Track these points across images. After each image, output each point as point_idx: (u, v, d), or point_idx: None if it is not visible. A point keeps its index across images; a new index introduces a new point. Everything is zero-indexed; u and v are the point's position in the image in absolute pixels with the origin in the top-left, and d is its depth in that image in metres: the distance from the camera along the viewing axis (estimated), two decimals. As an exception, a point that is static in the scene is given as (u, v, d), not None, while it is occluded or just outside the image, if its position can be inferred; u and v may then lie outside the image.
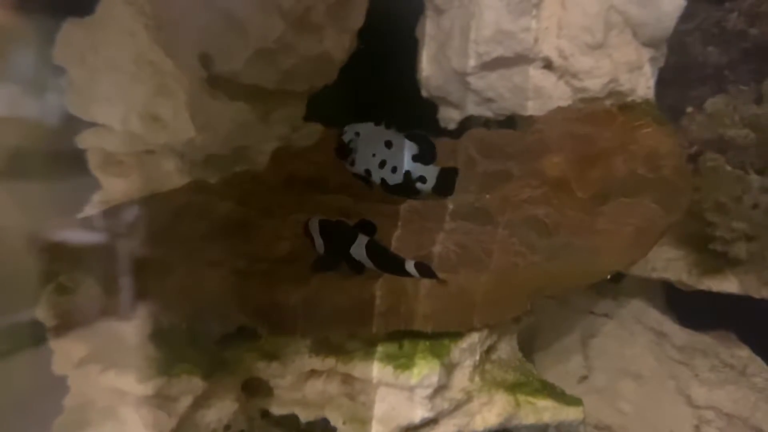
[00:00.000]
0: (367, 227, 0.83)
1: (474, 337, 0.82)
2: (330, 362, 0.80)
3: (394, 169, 0.97)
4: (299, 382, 0.80)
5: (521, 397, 0.77)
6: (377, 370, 0.76)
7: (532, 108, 1.14)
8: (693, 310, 1.10)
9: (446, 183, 0.97)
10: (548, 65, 1.10)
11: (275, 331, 0.81)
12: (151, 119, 0.97)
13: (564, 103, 1.11)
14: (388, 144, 0.97)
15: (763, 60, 1.11)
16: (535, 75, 1.11)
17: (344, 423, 0.78)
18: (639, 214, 0.82)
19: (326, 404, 0.79)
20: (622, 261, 0.82)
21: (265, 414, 0.87)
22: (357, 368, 0.77)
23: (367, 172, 0.98)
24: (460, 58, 1.12)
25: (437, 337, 0.78)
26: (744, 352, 1.06)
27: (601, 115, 0.97)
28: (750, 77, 1.12)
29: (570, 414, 0.76)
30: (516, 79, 1.12)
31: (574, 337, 1.10)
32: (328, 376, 0.80)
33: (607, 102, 1.10)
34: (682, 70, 1.14)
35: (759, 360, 1.06)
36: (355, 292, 0.76)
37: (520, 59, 1.10)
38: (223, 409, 0.82)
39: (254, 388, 0.87)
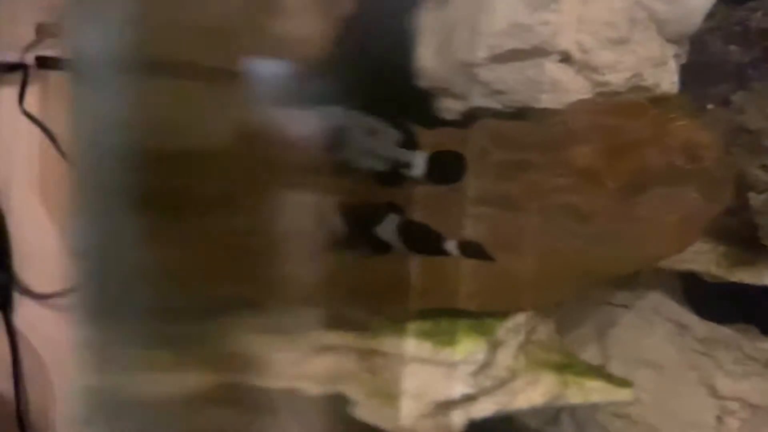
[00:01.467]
0: (395, 207, 0.79)
1: (520, 318, 0.80)
2: (348, 338, 0.76)
3: (378, 158, 0.92)
4: (307, 356, 0.75)
5: (569, 377, 0.75)
6: (413, 345, 0.72)
7: (547, 101, 1.13)
8: (712, 302, 1.11)
9: (441, 169, 0.94)
10: (566, 59, 1.10)
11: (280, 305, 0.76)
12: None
13: (582, 97, 1.12)
14: (372, 131, 0.94)
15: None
16: (552, 68, 1.10)
17: (367, 397, 0.74)
18: (682, 204, 0.83)
19: (342, 379, 0.74)
20: (669, 249, 0.82)
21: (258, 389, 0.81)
22: (384, 344, 0.73)
23: (353, 160, 0.95)
24: (468, 49, 1.10)
25: (478, 317, 0.76)
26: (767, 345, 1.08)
27: (631, 107, 0.98)
28: (774, 75, 1.15)
29: (620, 395, 0.75)
30: (530, 71, 1.11)
31: (590, 327, 1.10)
32: (343, 352, 0.75)
33: (629, 96, 1.11)
34: (703, 68, 1.17)
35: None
36: (384, 268, 0.73)
37: (537, 52, 1.08)
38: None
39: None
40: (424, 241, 0.78)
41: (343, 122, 0.95)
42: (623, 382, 0.81)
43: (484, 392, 0.78)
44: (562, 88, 1.08)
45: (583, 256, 0.81)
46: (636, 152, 0.91)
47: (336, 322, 0.79)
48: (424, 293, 0.76)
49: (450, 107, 1.12)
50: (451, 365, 0.74)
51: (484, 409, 0.76)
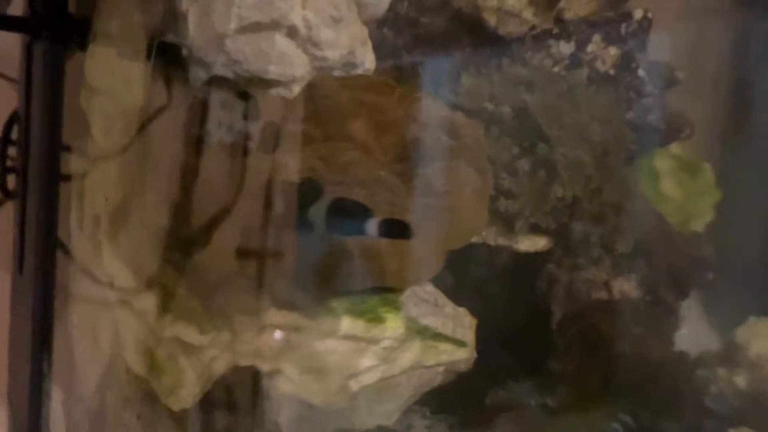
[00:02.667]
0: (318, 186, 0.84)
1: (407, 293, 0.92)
2: (288, 317, 0.81)
3: (230, 128, 0.97)
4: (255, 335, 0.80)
5: (428, 342, 0.91)
6: (347, 324, 0.81)
7: (274, 72, 1.24)
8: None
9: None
10: (293, 34, 1.22)
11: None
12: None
13: (302, 70, 1.25)
14: (223, 104, 0.97)
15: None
16: (281, 41, 1.22)
17: (300, 374, 0.81)
18: (463, 177, 1.03)
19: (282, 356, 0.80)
20: (482, 221, 1.01)
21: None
22: (321, 323, 0.80)
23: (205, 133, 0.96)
24: (223, 21, 1.16)
25: (381, 293, 0.87)
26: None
27: (380, 86, 1.14)
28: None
29: (461, 354, 0.93)
30: (262, 44, 1.21)
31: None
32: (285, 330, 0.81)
33: (338, 72, 1.27)
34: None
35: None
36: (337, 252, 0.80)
37: (273, 25, 1.19)
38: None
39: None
40: (348, 220, 0.81)
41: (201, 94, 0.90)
42: (461, 343, 0.97)
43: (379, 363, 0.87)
44: (287, 61, 1.18)
45: (430, 229, 0.93)
46: (397, 128, 1.07)
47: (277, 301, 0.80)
48: (365, 272, 0.81)
49: (197, 76, 1.13)
50: (377, 341, 0.81)
51: (371, 377, 0.85)
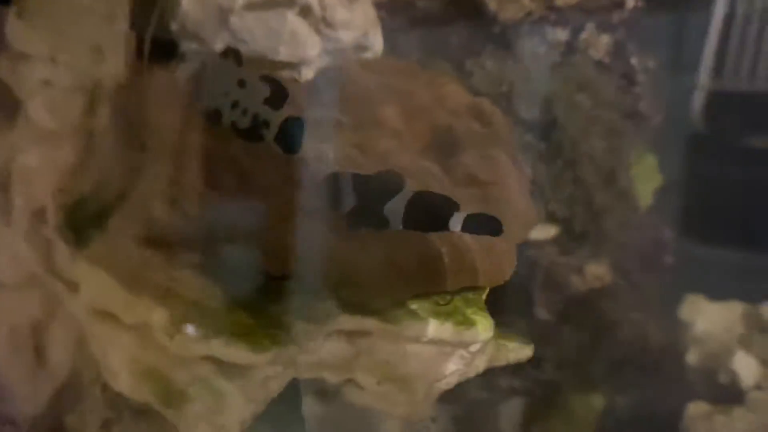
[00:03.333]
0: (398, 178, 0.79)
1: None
2: (361, 321, 0.75)
3: (244, 111, 0.89)
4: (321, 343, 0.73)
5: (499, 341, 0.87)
6: (434, 327, 0.75)
7: (284, 53, 1.18)
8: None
9: (290, 135, 0.89)
10: (306, 12, 1.17)
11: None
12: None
13: (314, 52, 1.19)
14: (241, 83, 0.89)
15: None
16: (293, 20, 1.16)
17: (378, 383, 0.75)
18: (504, 167, 0.99)
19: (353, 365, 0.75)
20: (534, 213, 0.97)
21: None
22: (402, 326, 0.75)
23: (217, 113, 0.88)
24: None
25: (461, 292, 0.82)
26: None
27: (406, 69, 1.10)
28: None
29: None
30: (273, 22, 1.15)
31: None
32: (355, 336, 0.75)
33: (353, 55, 1.23)
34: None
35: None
36: (420, 248, 0.75)
37: (285, 3, 1.14)
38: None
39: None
40: (431, 215, 0.77)
41: (213, 68, 0.88)
42: (527, 341, 0.90)
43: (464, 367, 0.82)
44: (300, 41, 1.13)
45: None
46: (426, 115, 1.03)
47: (347, 305, 0.72)
48: (458, 272, 0.76)
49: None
50: (465, 345, 0.76)
51: (450, 382, 0.81)
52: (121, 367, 0.71)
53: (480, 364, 0.76)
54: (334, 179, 0.76)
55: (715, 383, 1.46)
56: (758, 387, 1.44)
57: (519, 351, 0.81)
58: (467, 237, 0.75)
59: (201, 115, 0.83)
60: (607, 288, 1.49)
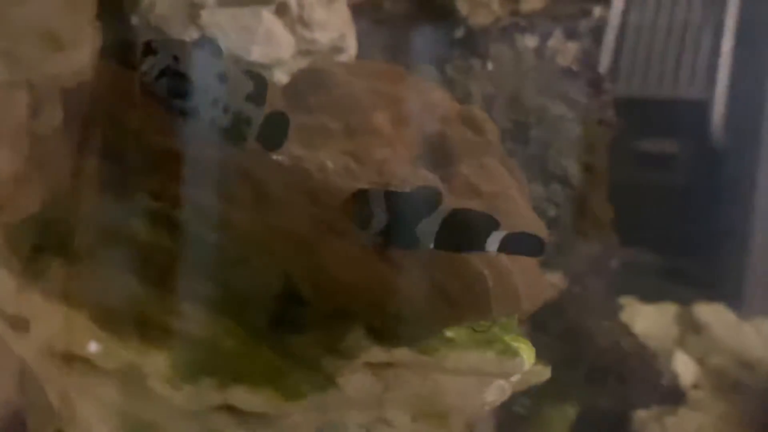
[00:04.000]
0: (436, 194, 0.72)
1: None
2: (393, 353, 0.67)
3: (225, 109, 0.83)
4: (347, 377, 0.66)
5: None
6: (474, 358, 0.69)
7: (257, 53, 1.12)
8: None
9: (272, 132, 0.81)
10: (282, 11, 1.10)
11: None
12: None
13: (288, 53, 1.13)
14: (221, 77, 0.83)
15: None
16: (268, 18, 1.10)
17: (413, 419, 0.68)
18: (502, 178, 0.94)
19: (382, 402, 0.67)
20: (543, 227, 0.91)
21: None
22: (438, 357, 0.68)
23: (193, 109, 0.82)
24: None
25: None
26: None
27: (392, 74, 1.04)
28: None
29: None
30: (247, 20, 1.08)
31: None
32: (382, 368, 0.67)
33: (322, 58, 1.16)
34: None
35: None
36: (465, 272, 0.68)
37: (259, 0, 1.07)
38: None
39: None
40: (468, 234, 0.70)
41: (188, 60, 0.76)
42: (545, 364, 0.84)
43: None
44: (274, 41, 1.07)
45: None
46: (417, 121, 0.97)
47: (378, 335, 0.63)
48: (501, 297, 0.69)
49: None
50: (507, 375, 0.69)
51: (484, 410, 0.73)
52: (96, 418, 0.60)
53: (508, 390, 0.70)
54: (363, 196, 0.68)
55: (659, 384, 1.46)
56: (696, 386, 1.44)
57: (540, 374, 0.75)
58: (506, 258, 0.69)
59: (175, 116, 0.72)
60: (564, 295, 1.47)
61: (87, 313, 0.58)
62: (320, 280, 0.59)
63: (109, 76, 0.72)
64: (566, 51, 1.41)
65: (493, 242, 0.67)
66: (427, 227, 0.67)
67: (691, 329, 1.58)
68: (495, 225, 0.67)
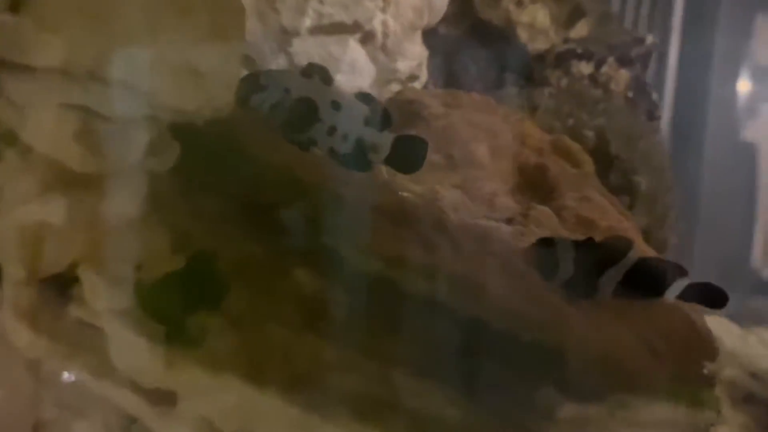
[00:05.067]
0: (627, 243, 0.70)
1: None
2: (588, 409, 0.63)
3: (345, 137, 0.79)
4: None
5: None
6: (664, 410, 0.66)
7: (341, 82, 1.09)
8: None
9: (406, 155, 0.79)
10: (367, 39, 1.08)
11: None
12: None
13: (368, 82, 1.10)
14: (335, 105, 0.80)
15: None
16: (354, 47, 1.08)
17: None
18: (611, 212, 0.91)
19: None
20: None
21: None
22: (633, 412, 0.65)
23: (311, 140, 0.79)
24: (295, 15, 1.00)
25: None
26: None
27: (482, 104, 1.02)
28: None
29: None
30: (333, 48, 1.06)
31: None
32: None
33: (396, 86, 1.13)
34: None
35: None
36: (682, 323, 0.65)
37: (351, 28, 1.05)
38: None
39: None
40: (651, 284, 0.68)
41: (300, 91, 0.75)
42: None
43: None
44: (358, 69, 1.05)
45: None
46: (513, 153, 0.95)
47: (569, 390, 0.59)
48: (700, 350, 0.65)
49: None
50: (698, 429, 0.66)
51: None
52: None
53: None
54: (549, 244, 0.65)
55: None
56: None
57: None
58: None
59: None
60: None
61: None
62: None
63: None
64: (619, 78, 1.40)
65: (674, 290, 0.65)
66: (612, 276, 0.64)
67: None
68: (682, 273, 0.65)
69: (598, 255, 0.66)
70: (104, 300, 0.48)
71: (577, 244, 0.66)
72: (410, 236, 0.55)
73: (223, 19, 0.53)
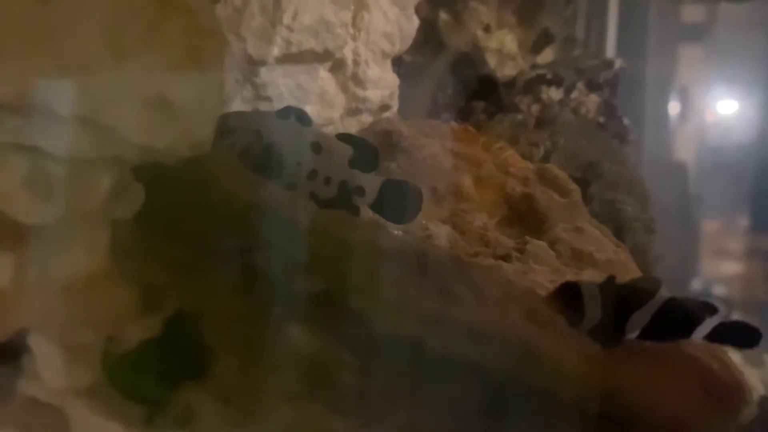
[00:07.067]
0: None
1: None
2: None
3: (327, 180, 0.74)
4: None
5: None
6: None
7: (310, 114, 1.03)
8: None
9: (395, 202, 0.74)
10: (337, 68, 1.03)
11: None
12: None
13: (338, 113, 1.05)
14: (315, 147, 0.74)
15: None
16: (324, 77, 1.02)
17: None
18: (604, 243, 0.87)
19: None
20: None
21: None
22: None
23: (290, 185, 0.71)
24: (261, 43, 0.94)
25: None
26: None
27: (463, 133, 0.97)
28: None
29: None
30: (302, 78, 1.00)
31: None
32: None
33: (367, 117, 1.08)
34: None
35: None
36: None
37: (322, 56, 0.99)
38: None
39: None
40: (676, 327, 0.62)
41: (275, 134, 0.70)
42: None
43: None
44: (327, 100, 0.99)
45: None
46: (496, 183, 0.90)
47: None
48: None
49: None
50: None
51: None
52: None
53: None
54: (574, 290, 0.60)
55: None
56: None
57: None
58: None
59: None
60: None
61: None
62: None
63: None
64: (589, 103, 1.37)
65: (701, 330, 0.60)
66: (639, 318, 0.59)
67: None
68: (714, 311, 0.60)
69: (624, 297, 0.61)
70: (62, 376, 0.40)
71: (601, 287, 0.60)
72: (428, 285, 0.48)
73: (200, 44, 0.45)
